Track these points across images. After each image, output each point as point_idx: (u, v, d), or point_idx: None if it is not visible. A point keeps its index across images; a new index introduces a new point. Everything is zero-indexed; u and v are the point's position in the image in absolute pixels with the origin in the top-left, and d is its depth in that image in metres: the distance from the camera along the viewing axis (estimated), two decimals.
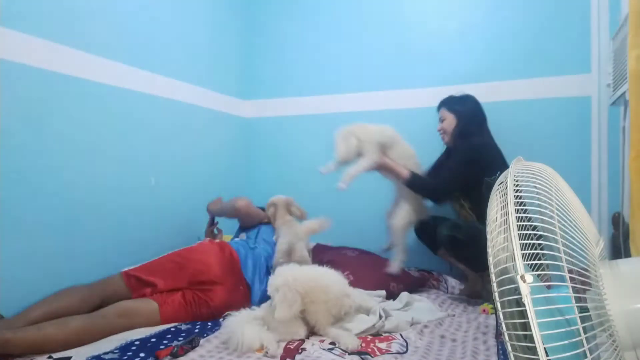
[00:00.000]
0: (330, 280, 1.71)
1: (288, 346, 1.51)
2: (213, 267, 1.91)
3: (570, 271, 0.80)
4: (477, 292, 2.22)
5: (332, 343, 1.55)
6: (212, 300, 1.87)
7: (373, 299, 1.95)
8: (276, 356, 1.45)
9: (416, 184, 2.22)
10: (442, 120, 2.37)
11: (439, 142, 2.62)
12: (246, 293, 1.99)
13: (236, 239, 2.34)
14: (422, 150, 2.75)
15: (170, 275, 1.88)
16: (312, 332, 1.65)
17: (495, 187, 0.99)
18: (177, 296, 1.83)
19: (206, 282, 1.88)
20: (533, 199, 0.89)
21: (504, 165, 2.17)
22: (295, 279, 1.60)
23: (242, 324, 1.54)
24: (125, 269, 1.89)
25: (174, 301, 1.81)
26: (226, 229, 2.61)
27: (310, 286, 1.62)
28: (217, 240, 2.19)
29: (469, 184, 2.16)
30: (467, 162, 2.17)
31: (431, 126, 2.71)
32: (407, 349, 1.51)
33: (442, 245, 2.21)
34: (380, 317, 1.70)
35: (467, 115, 2.30)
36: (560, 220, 0.85)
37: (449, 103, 2.36)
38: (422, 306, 1.96)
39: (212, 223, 2.52)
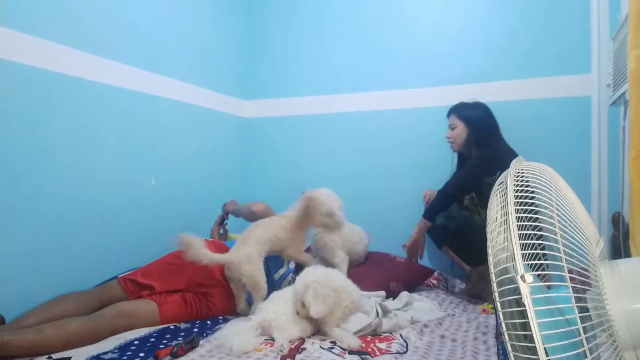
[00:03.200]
0: (351, 283, 1.76)
1: (289, 346, 1.51)
2: (212, 267, 1.91)
3: (570, 271, 0.80)
4: (477, 293, 2.22)
5: (332, 342, 1.55)
6: (214, 304, 1.87)
7: (372, 299, 1.94)
8: (285, 354, 1.45)
9: (436, 209, 2.22)
10: (452, 127, 2.35)
11: (438, 143, 2.63)
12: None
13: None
14: (422, 151, 2.76)
15: (167, 277, 1.87)
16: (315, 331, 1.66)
17: (495, 187, 0.99)
18: (176, 296, 1.83)
19: (205, 284, 1.88)
20: (533, 199, 0.89)
21: None
22: (326, 277, 1.66)
23: (232, 335, 1.53)
24: (121, 275, 1.89)
25: (174, 301, 1.81)
26: (234, 228, 2.61)
27: (339, 286, 1.66)
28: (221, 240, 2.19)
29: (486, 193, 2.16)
30: (480, 166, 2.15)
31: (431, 126, 2.72)
32: (407, 349, 1.51)
33: (436, 235, 2.27)
34: (377, 314, 1.70)
35: (478, 124, 2.29)
36: (560, 220, 0.85)
37: (459, 110, 2.34)
38: (422, 306, 1.96)
39: (220, 222, 2.52)
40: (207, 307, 1.86)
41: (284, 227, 1.99)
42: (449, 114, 2.40)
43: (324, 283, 1.61)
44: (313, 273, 1.67)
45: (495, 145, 2.26)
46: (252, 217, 2.36)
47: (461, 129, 2.31)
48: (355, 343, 1.51)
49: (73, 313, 1.61)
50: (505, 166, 2.33)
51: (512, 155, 2.22)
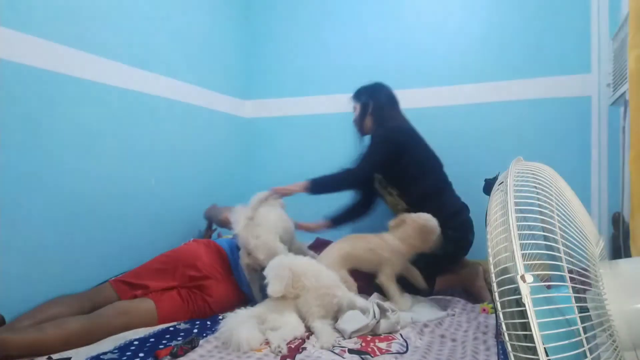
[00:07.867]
0: (324, 270, 1.79)
1: (289, 345, 1.51)
2: (202, 259, 1.92)
3: (570, 271, 0.80)
4: (470, 286, 2.20)
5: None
6: (210, 296, 1.87)
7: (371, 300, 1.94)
8: (285, 354, 1.44)
9: (325, 185, 2.17)
10: (354, 110, 2.40)
11: (438, 143, 2.62)
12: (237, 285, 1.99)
13: (228, 237, 2.33)
14: None
15: (159, 275, 1.87)
16: (310, 330, 1.66)
17: (495, 187, 0.99)
18: (172, 293, 1.83)
19: (198, 277, 1.88)
20: (533, 199, 0.89)
21: (425, 150, 2.24)
22: (290, 261, 1.74)
23: (239, 325, 1.53)
24: (113, 278, 1.88)
25: (170, 297, 1.81)
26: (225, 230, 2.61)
27: (304, 268, 1.71)
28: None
29: (392, 168, 2.17)
30: (380, 143, 2.18)
31: (430, 127, 2.71)
32: (407, 349, 1.51)
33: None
34: (375, 315, 1.69)
35: (372, 104, 2.32)
36: (560, 220, 0.85)
37: (356, 93, 2.40)
38: (422, 306, 1.96)
39: (209, 228, 2.52)
40: (203, 300, 1.86)
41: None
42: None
43: (285, 264, 1.70)
44: (280, 257, 1.78)
45: (392, 121, 2.29)
46: (222, 224, 2.38)
47: (358, 110, 2.37)
48: (327, 342, 1.51)
49: (67, 316, 1.60)
50: (401, 137, 2.26)
51: (409, 129, 2.25)
